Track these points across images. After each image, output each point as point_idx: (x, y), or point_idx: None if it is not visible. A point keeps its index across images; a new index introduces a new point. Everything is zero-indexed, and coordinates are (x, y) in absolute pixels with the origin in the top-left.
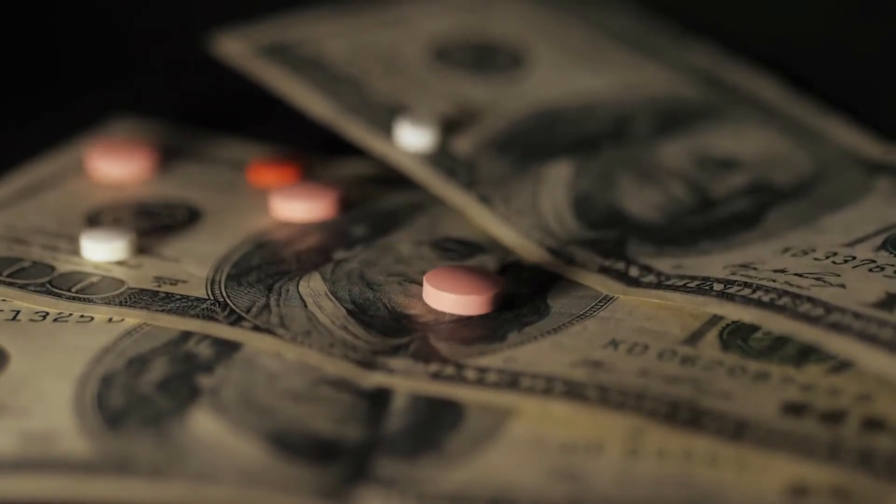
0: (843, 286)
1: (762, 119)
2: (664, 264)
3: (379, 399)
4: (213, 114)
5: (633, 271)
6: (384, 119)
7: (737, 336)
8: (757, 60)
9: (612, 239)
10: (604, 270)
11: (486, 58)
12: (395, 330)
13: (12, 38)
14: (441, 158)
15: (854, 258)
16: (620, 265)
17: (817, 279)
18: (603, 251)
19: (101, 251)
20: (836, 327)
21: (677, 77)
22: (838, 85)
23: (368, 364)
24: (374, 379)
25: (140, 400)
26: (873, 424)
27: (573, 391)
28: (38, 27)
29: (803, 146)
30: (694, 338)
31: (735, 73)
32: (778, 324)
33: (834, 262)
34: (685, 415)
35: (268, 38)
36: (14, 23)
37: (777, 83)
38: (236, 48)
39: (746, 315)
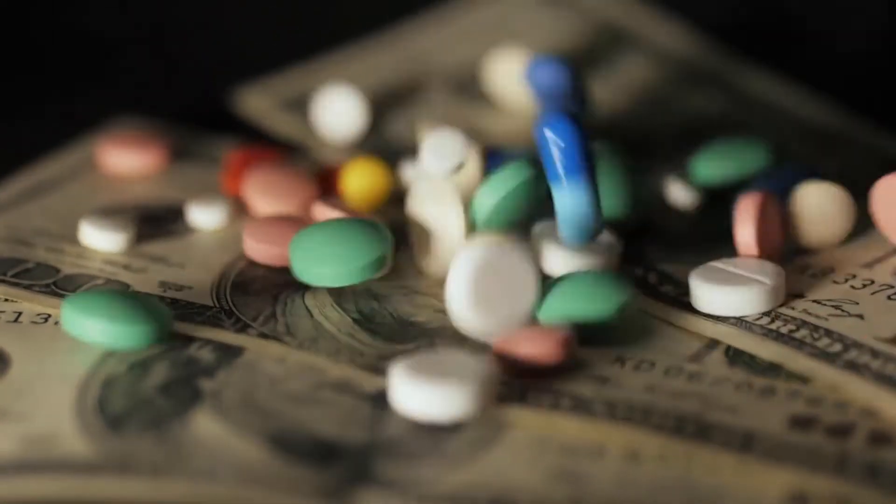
0: (860, 316)
1: (784, 125)
2: (681, 273)
3: (380, 401)
4: (212, 114)
5: (652, 278)
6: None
7: (743, 353)
8: (780, 68)
9: (628, 245)
10: None
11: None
12: (401, 336)
13: (6, 38)
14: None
15: (872, 282)
16: (639, 270)
17: (835, 307)
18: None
19: (103, 240)
20: (854, 367)
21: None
22: (866, 88)
23: (374, 369)
24: (379, 383)
25: (141, 403)
26: (880, 438)
27: (580, 406)
28: (30, 28)
29: (828, 150)
30: (700, 355)
31: (760, 81)
32: (798, 363)
33: (853, 287)
34: (691, 428)
35: (290, 90)
36: (8, 23)
37: (800, 89)
38: (259, 104)
39: (765, 350)
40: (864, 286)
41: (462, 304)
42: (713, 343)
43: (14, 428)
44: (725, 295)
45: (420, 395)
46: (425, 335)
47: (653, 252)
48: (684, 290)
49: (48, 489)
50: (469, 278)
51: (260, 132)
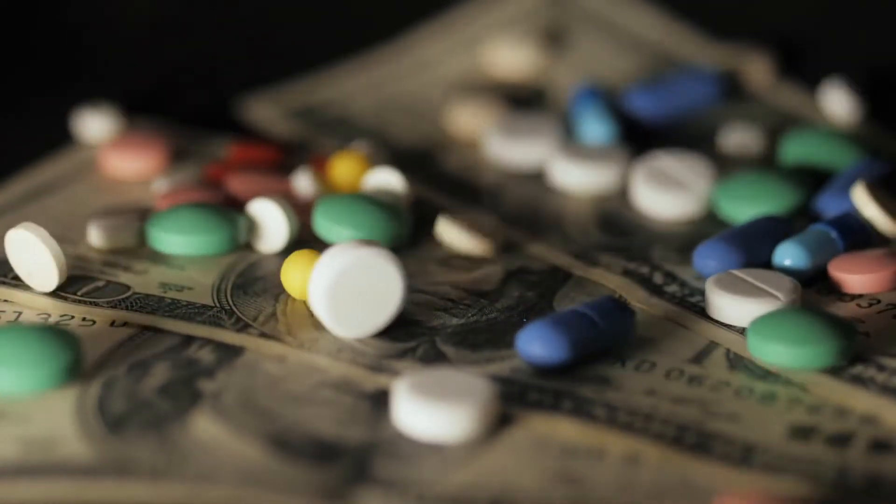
0: (867, 334)
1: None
2: (688, 273)
3: (380, 401)
4: (211, 113)
5: (657, 277)
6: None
7: (743, 356)
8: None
9: (636, 244)
10: (627, 273)
11: (511, 92)
12: (402, 335)
13: (8, 39)
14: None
15: (878, 301)
16: (644, 269)
17: None
18: (627, 255)
19: (107, 238)
20: (860, 380)
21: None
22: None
23: (375, 367)
24: (380, 381)
25: (141, 404)
26: (880, 447)
27: (581, 408)
28: (31, 29)
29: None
30: (701, 356)
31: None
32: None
33: (859, 306)
34: (692, 438)
35: (296, 102)
36: (9, 23)
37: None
38: (267, 114)
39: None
40: (871, 305)
41: (322, 307)
42: (713, 343)
43: (14, 430)
44: (737, 305)
45: (423, 415)
46: (426, 334)
47: (658, 254)
48: (690, 290)
49: (48, 492)
50: (330, 282)
51: (263, 138)
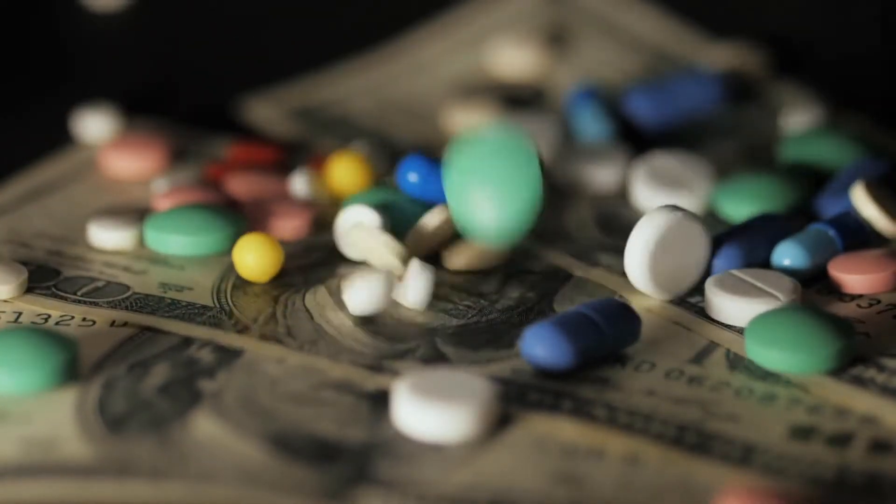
0: (867, 334)
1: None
2: None
3: (380, 401)
4: (211, 113)
5: None
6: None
7: (743, 356)
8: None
9: None
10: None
11: (511, 93)
12: (402, 335)
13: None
14: None
15: (878, 301)
16: None
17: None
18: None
19: (110, 238)
20: (860, 381)
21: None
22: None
23: (375, 368)
24: (380, 382)
25: (141, 404)
26: (880, 447)
27: (581, 409)
28: (22, 29)
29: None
30: (701, 356)
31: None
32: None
33: (859, 306)
34: (692, 438)
35: (296, 102)
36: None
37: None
38: (267, 114)
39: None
40: (871, 305)
41: (639, 268)
42: (713, 344)
43: (14, 430)
44: (737, 305)
45: (423, 416)
46: (426, 334)
47: None
48: (690, 291)
49: (48, 492)
50: (649, 244)
51: (263, 138)
